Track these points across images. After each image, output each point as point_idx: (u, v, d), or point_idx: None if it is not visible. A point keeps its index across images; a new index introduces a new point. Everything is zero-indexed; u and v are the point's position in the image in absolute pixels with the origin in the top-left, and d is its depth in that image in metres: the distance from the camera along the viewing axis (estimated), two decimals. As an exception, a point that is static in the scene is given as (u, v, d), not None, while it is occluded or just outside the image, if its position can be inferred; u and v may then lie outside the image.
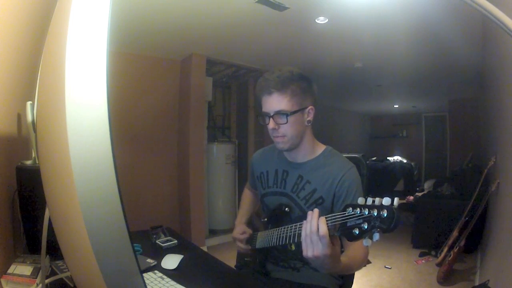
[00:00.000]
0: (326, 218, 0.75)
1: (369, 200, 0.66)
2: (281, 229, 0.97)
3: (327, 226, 0.74)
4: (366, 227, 0.63)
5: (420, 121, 7.88)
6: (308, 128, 1.06)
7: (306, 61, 3.59)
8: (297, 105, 1.00)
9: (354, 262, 0.95)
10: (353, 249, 0.98)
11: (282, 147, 1.04)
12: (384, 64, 3.74)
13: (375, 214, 0.62)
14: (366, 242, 0.64)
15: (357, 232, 0.65)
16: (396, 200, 0.62)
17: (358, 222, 0.65)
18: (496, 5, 0.64)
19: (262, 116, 1.04)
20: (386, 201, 0.63)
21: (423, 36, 2.72)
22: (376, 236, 0.62)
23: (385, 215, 0.61)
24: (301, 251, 0.79)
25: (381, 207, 0.62)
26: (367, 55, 3.39)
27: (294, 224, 0.90)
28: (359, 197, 0.69)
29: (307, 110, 1.03)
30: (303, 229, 0.79)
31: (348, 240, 0.67)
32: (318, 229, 0.74)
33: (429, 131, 7.73)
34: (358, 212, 0.66)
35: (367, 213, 0.64)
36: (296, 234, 0.88)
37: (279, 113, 0.99)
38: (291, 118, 0.99)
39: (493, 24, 0.65)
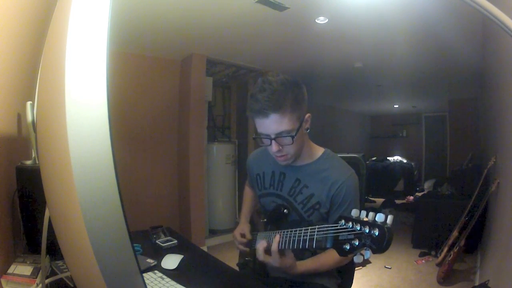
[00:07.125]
0: (317, 228, 0.74)
1: (363, 214, 0.62)
2: (280, 233, 0.95)
3: (318, 236, 0.73)
4: (357, 244, 0.60)
5: (420, 121, 7.89)
6: (306, 134, 1.04)
7: (306, 61, 3.59)
8: (297, 120, 0.94)
9: (323, 265, 1.00)
10: (327, 254, 0.99)
11: (286, 164, 1.03)
12: (384, 64, 3.74)
13: (367, 231, 0.58)
14: (357, 258, 0.62)
15: (348, 248, 0.62)
16: (390, 218, 0.58)
17: (349, 237, 0.62)
18: (496, 5, 0.65)
19: (260, 137, 0.96)
20: (379, 217, 0.59)
21: (423, 36, 2.72)
22: (368, 254, 0.58)
23: (377, 234, 0.57)
24: (299, 253, 0.81)
25: (373, 224, 0.58)
26: (367, 55, 3.39)
27: (293, 230, 0.87)
28: (354, 206, 0.66)
29: (305, 119, 1.00)
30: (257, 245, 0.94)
31: (339, 255, 0.64)
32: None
33: (429, 131, 7.74)
34: (350, 226, 0.62)
35: (358, 228, 0.60)
36: (297, 240, 0.84)
37: (281, 135, 0.92)
38: (296, 137, 0.93)
39: (493, 24, 0.65)
